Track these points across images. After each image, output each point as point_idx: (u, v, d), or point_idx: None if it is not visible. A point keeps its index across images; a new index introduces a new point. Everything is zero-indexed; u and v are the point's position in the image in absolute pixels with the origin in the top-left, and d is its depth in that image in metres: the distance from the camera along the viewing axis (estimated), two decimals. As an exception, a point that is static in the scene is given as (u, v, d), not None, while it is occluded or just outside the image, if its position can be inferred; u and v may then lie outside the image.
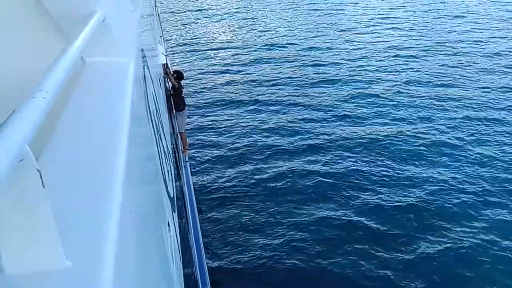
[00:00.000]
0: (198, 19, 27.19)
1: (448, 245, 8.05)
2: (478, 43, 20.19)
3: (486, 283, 7.25)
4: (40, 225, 0.90)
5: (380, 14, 26.20)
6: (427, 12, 26.74)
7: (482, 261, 7.69)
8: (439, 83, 15.64)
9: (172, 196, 3.67)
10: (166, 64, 9.87)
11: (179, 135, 10.15)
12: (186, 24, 25.99)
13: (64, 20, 2.04)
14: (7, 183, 0.81)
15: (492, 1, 28.23)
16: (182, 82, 10.53)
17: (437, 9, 27.31)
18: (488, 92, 14.76)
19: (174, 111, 10.04)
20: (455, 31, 22.33)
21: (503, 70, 16.72)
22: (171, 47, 20.90)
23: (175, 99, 10.11)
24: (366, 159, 10.87)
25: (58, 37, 2.07)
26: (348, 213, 8.90)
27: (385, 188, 9.70)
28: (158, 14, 13.86)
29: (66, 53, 1.38)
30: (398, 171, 10.33)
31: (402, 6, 28.14)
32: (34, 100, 1.01)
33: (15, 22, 2.02)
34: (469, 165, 10.56)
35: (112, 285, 0.91)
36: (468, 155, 10.97)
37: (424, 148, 11.32)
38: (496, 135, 11.95)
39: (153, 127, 3.00)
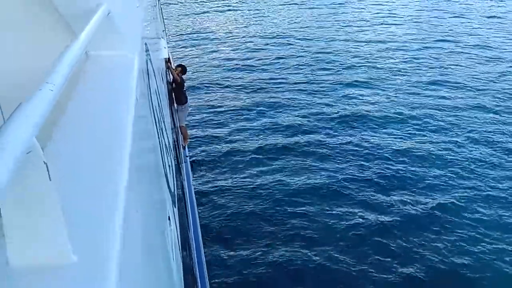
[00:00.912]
0: (201, 11, 27.05)
1: (427, 212, 8.84)
2: (473, 36, 20.55)
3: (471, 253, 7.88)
4: (47, 219, 0.90)
5: (383, 11, 26.11)
6: (429, 8, 26.65)
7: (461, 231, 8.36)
8: (435, 74, 16.07)
9: (173, 191, 3.68)
10: (168, 58, 9.84)
11: (179, 129, 10.12)
12: (188, 16, 25.85)
13: (70, 14, 2.05)
14: (16, 175, 0.81)
15: None
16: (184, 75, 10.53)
17: (439, 5, 27.24)
18: (480, 82, 15.32)
19: (175, 104, 10.02)
20: (454, 26, 22.41)
21: (497, 63, 17.21)
22: (173, 38, 20.86)
23: (177, 93, 10.07)
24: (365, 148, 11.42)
25: (63, 31, 2.07)
26: (341, 186, 9.59)
27: (379, 166, 10.44)
28: (161, 8, 13.83)
29: (71, 47, 1.38)
30: (392, 150, 11.10)
31: (407, 3, 28.03)
32: (41, 93, 1.00)
33: (21, 17, 2.03)
34: (457, 147, 11.29)
35: (116, 279, 0.92)
36: (455, 137, 11.71)
37: (417, 132, 12.13)
38: (488, 121, 12.70)
39: (155, 121, 3.00)
